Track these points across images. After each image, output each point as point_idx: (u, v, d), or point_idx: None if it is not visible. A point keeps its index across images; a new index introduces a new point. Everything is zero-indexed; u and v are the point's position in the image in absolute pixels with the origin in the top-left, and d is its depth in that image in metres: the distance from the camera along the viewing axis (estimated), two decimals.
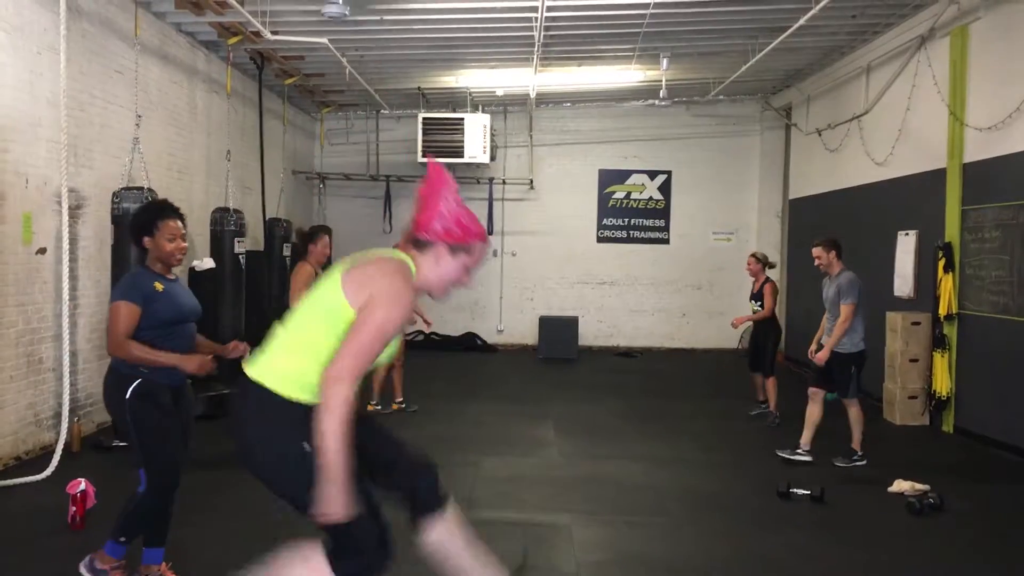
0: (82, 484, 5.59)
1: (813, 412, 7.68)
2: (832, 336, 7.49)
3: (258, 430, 2.83)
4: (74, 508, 5.56)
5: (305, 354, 2.77)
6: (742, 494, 6.77)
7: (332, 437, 2.64)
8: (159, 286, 4.39)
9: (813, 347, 7.91)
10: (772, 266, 9.74)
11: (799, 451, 7.62)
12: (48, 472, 6.62)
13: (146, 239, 4.53)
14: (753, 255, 9.74)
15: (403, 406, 9.63)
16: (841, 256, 7.76)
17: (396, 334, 2.78)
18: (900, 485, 6.81)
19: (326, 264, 7.86)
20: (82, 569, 4.49)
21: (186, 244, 4.62)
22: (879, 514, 6.29)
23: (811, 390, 7.73)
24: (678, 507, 6.40)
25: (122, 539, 4.41)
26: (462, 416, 9.58)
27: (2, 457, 6.98)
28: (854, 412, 7.62)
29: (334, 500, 2.75)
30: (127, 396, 4.25)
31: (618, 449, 8.22)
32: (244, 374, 2.87)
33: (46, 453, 7.16)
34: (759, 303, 9.50)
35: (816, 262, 7.82)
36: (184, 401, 4.52)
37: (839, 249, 7.75)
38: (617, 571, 5.12)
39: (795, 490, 6.63)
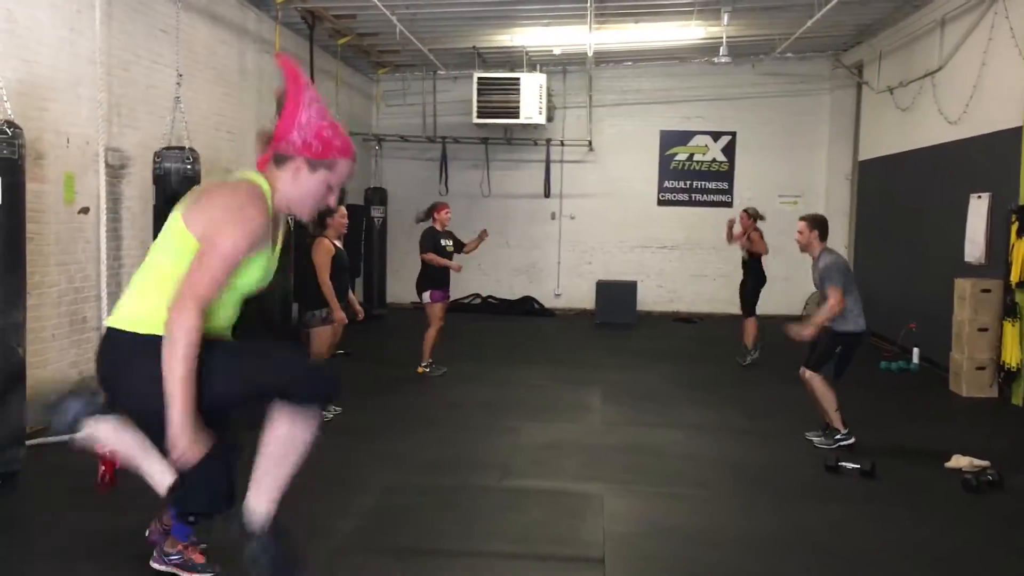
0: None
1: (825, 394, 6.98)
2: (817, 316, 6.91)
3: (126, 369, 2.68)
4: (103, 467, 5.55)
5: (157, 292, 2.62)
6: (788, 466, 6.49)
7: (177, 365, 2.53)
8: None
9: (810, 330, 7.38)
10: (762, 218, 10.60)
11: (838, 436, 6.98)
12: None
13: None
14: (745, 210, 10.68)
15: (424, 366, 9.53)
16: (825, 238, 7.14)
17: (247, 255, 2.56)
18: (958, 460, 6.45)
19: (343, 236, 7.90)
20: (154, 563, 4.29)
21: None
22: (932, 491, 5.96)
23: (807, 374, 7.00)
24: (718, 478, 6.17)
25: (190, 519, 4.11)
26: (509, 381, 9.44)
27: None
28: (818, 385, 6.93)
29: (180, 429, 2.62)
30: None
31: (664, 417, 7.99)
32: (107, 327, 2.74)
33: None
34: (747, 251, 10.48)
35: (797, 237, 7.22)
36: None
37: (823, 229, 7.13)
38: (644, 543, 4.93)
39: (844, 464, 6.33)
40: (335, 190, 2.66)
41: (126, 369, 2.66)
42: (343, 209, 7.78)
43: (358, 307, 8.12)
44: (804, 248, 7.20)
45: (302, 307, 7.91)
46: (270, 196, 2.55)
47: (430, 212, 9.62)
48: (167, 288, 2.59)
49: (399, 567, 4.54)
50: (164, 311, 2.59)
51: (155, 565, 4.28)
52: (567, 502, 5.58)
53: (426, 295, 9.44)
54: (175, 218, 2.60)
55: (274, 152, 2.60)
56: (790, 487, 6.02)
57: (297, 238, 8.61)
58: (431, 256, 9.36)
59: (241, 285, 2.61)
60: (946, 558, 4.84)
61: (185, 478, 2.80)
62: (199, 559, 4.24)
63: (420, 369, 9.47)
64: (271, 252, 2.67)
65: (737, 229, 10.74)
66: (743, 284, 10.78)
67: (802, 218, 7.30)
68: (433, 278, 9.44)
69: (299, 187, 2.61)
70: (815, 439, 7.04)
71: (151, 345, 2.60)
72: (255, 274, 2.62)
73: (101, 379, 2.78)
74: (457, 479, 6.03)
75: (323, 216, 7.67)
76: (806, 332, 6.88)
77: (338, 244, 7.78)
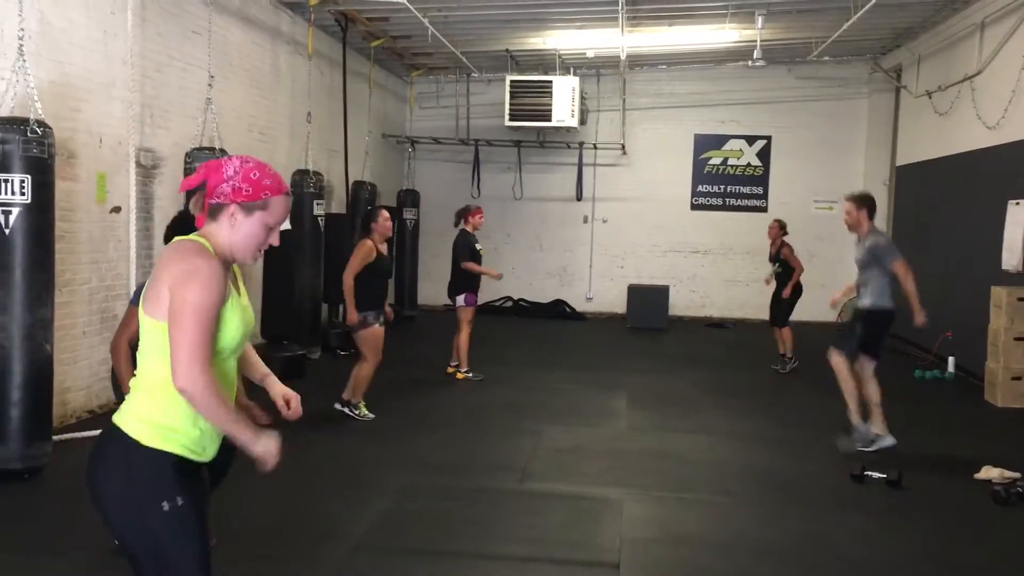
0: None
1: (847, 381, 6.88)
2: (910, 297, 6.81)
3: (117, 487, 2.55)
4: None
5: (157, 389, 2.54)
6: (813, 474, 6.40)
7: (217, 417, 2.51)
8: None
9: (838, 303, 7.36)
10: (787, 233, 10.77)
11: (875, 437, 6.89)
12: None
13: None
14: (776, 220, 10.88)
15: (465, 372, 9.54)
16: (873, 216, 7.01)
17: (218, 307, 2.52)
18: (988, 472, 6.31)
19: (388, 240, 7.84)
20: None
21: None
22: (959, 502, 5.84)
23: (856, 366, 6.88)
24: (740, 486, 6.09)
25: None
26: (536, 384, 9.42)
27: (76, 410, 7.18)
28: (854, 384, 6.84)
29: (259, 446, 2.58)
30: None
31: (689, 422, 7.92)
32: (111, 422, 2.64)
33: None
34: (778, 264, 10.60)
35: (845, 218, 7.09)
36: None
37: (872, 207, 7.00)
38: (661, 550, 4.89)
39: (870, 473, 6.22)
40: (275, 229, 2.64)
41: (120, 486, 2.55)
42: (385, 212, 7.69)
43: (388, 309, 7.96)
44: (852, 228, 7.04)
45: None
46: (211, 249, 2.55)
47: (463, 215, 9.61)
48: (155, 378, 2.54)
49: (414, 568, 4.55)
50: (160, 409, 2.54)
51: None
52: (585, 507, 5.54)
53: (460, 298, 9.40)
54: (141, 315, 2.58)
55: (208, 207, 2.61)
56: (814, 496, 5.93)
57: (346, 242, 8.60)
58: (471, 266, 9.35)
59: (226, 343, 2.59)
60: (971, 571, 4.74)
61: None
62: None
63: (460, 375, 9.47)
64: (240, 302, 2.66)
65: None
66: (776, 294, 10.73)
67: (849, 197, 7.12)
68: (468, 281, 9.43)
69: (238, 233, 2.59)
70: (843, 441, 6.92)
71: (151, 465, 2.53)
72: (235, 326, 2.59)
73: (88, 471, 2.65)
74: (476, 481, 6.02)
75: (367, 220, 7.71)
76: (919, 319, 6.81)
77: (382, 249, 7.62)
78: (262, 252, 2.68)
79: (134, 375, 2.67)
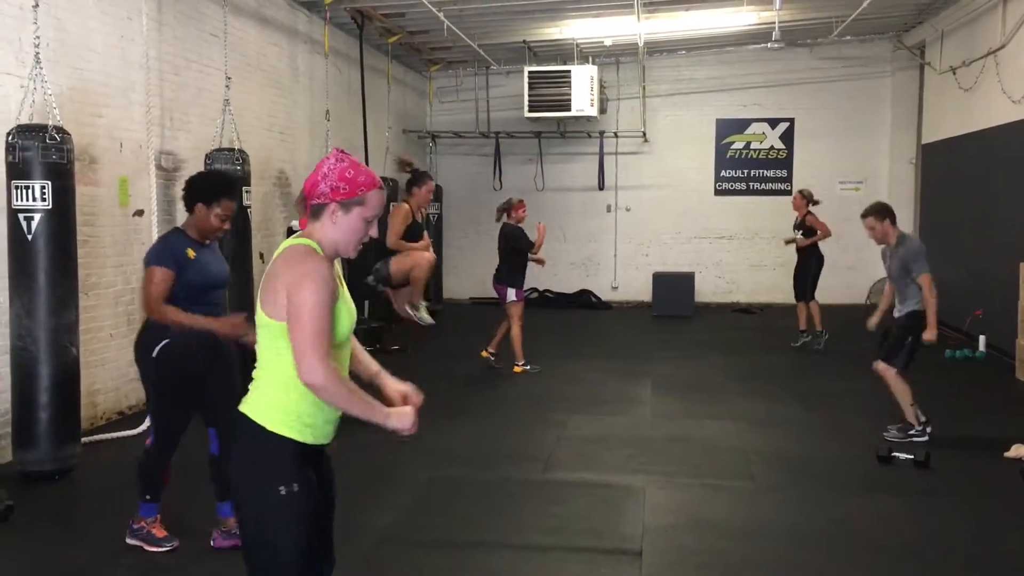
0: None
1: (898, 386, 6.69)
2: (928, 315, 6.55)
3: (242, 468, 2.75)
4: None
5: (283, 384, 2.70)
6: (839, 458, 6.35)
7: (346, 402, 2.66)
8: (191, 252, 4.45)
9: (876, 319, 7.13)
10: (817, 203, 10.90)
11: (911, 432, 6.67)
12: (142, 427, 6.82)
13: (200, 206, 4.55)
14: (800, 191, 11.10)
15: (523, 365, 9.50)
16: (895, 222, 6.81)
17: (331, 304, 2.66)
18: (1018, 450, 6.23)
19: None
20: (127, 538, 4.67)
21: (228, 226, 4.66)
22: (988, 481, 5.78)
23: (881, 367, 6.70)
24: (765, 471, 6.06)
25: (147, 497, 4.60)
26: (561, 374, 9.41)
27: (106, 412, 7.28)
28: (891, 378, 6.65)
29: (393, 419, 2.73)
30: (153, 355, 4.36)
31: (714, 409, 7.88)
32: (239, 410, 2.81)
33: (147, 409, 7.41)
34: (802, 232, 10.76)
35: (869, 234, 6.89)
36: (223, 358, 4.56)
37: (892, 216, 6.80)
38: (684, 536, 4.88)
39: (897, 454, 6.17)
40: (373, 222, 2.76)
41: (248, 468, 2.73)
42: (431, 184, 8.12)
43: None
44: (881, 241, 6.85)
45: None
46: (319, 248, 2.67)
47: (507, 209, 9.50)
48: (279, 373, 2.70)
49: (437, 560, 4.58)
50: (284, 400, 2.69)
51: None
52: (609, 495, 5.54)
53: (512, 292, 9.32)
54: (258, 310, 2.74)
55: (310, 208, 2.73)
56: (840, 479, 5.89)
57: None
58: (535, 255, 9.39)
59: (340, 336, 2.75)
60: (999, 550, 4.70)
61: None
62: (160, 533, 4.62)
63: (518, 368, 9.41)
64: (345, 295, 2.81)
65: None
66: (798, 268, 10.90)
67: (865, 214, 6.84)
68: (519, 275, 9.38)
69: (340, 230, 2.74)
70: (891, 432, 6.73)
71: (274, 448, 2.69)
72: (345, 319, 2.76)
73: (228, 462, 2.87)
74: (499, 472, 6.04)
75: (411, 184, 8.05)
76: (930, 335, 6.56)
77: (417, 217, 7.90)
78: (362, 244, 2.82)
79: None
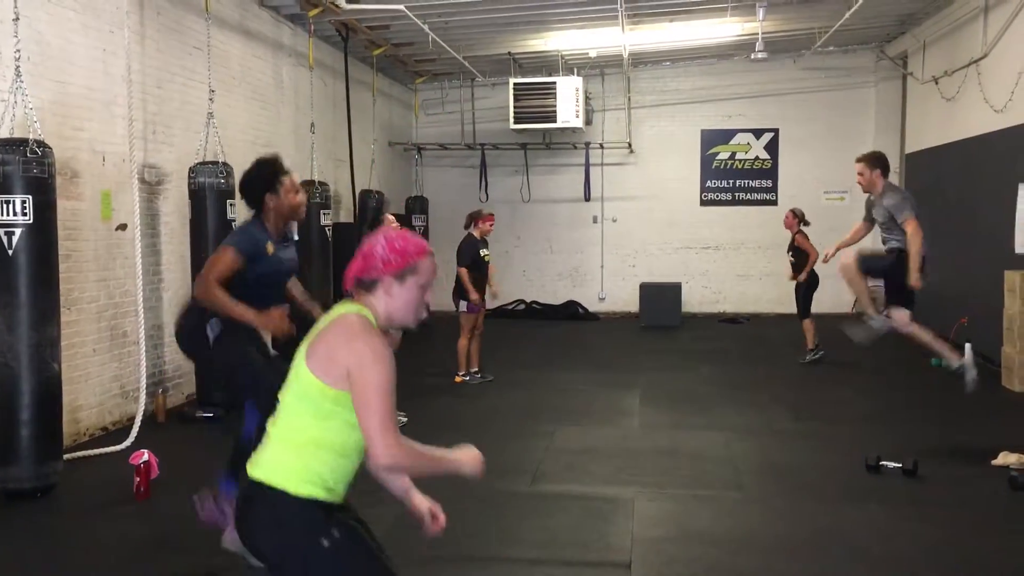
0: (144, 455, 5.67)
1: (919, 332, 6.85)
2: (911, 258, 6.65)
3: (275, 539, 2.68)
4: (138, 479, 5.65)
5: (306, 446, 2.67)
6: (828, 467, 6.34)
7: (426, 469, 2.77)
8: (271, 248, 4.48)
9: (832, 251, 7.51)
10: (808, 224, 10.91)
11: (955, 367, 6.90)
12: (127, 443, 6.73)
13: (269, 195, 4.56)
14: (791, 210, 11.01)
15: (473, 376, 9.51)
16: (887, 173, 6.90)
17: (394, 383, 2.70)
18: (1006, 458, 6.23)
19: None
20: (200, 511, 4.57)
21: (305, 196, 4.71)
22: (976, 489, 5.77)
23: (894, 313, 6.78)
24: (755, 481, 6.04)
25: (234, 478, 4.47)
26: (548, 385, 9.38)
27: (88, 427, 7.20)
28: (908, 325, 6.78)
29: (464, 466, 2.85)
30: (210, 336, 4.37)
31: (704, 419, 7.86)
32: (249, 477, 2.73)
33: (131, 424, 7.33)
34: (793, 254, 10.80)
35: (858, 179, 6.98)
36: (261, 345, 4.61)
37: (884, 165, 6.90)
38: (673, 547, 4.84)
39: (885, 463, 6.16)
40: (427, 288, 2.76)
41: (279, 535, 2.67)
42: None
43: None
44: (867, 189, 6.95)
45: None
46: (373, 320, 2.69)
47: (474, 219, 9.53)
48: (316, 441, 2.67)
49: (424, 574, 4.52)
50: (316, 465, 2.67)
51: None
52: (597, 507, 5.51)
53: (463, 304, 9.34)
54: (300, 366, 2.68)
55: (359, 282, 2.72)
56: (830, 489, 5.87)
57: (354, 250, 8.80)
58: (462, 273, 9.23)
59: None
60: (988, 558, 4.68)
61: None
62: None
63: (458, 379, 9.45)
64: None
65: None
66: (797, 287, 10.92)
67: (860, 159, 6.98)
68: (466, 288, 9.38)
69: (397, 300, 2.74)
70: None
71: (305, 511, 2.65)
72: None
73: (244, 535, 2.76)
74: (486, 484, 5.94)
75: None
76: (914, 280, 6.68)
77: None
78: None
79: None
